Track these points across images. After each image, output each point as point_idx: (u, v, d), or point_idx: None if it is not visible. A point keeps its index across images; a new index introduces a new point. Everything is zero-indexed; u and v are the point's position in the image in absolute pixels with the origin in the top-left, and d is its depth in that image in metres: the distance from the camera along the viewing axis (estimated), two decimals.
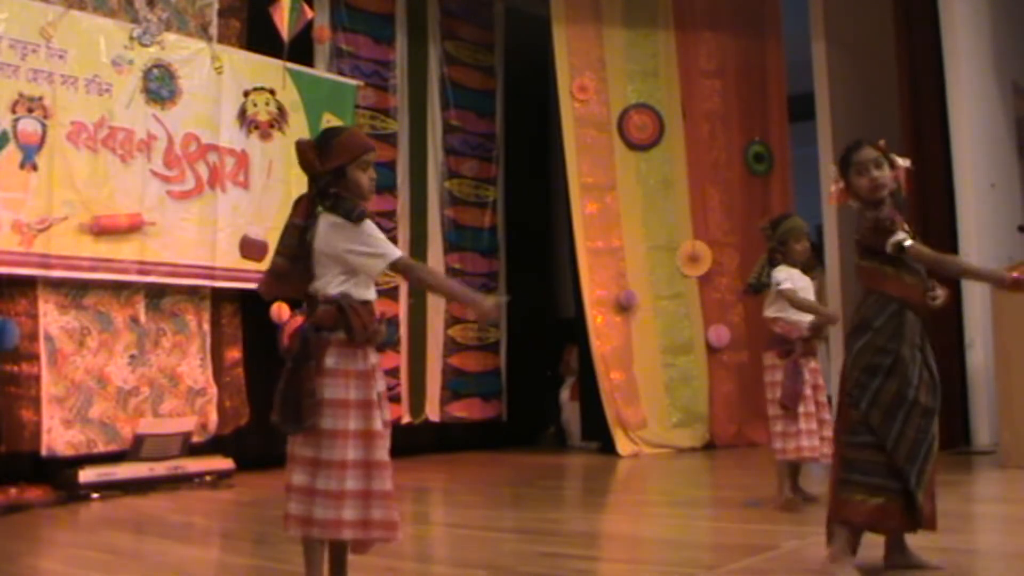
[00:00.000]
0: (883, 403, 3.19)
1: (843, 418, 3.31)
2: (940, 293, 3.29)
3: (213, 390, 6.92)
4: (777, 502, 4.87)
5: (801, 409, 4.81)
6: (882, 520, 3.17)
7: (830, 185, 3.49)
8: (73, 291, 6.28)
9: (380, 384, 3.01)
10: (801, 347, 4.89)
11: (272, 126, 7.31)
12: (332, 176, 3.00)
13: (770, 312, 5.00)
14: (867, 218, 3.30)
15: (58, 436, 6.05)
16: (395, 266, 3.01)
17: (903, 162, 3.42)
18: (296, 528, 2.93)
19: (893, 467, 3.15)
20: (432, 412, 8.68)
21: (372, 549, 3.04)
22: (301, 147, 3.04)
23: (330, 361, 2.93)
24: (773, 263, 4.99)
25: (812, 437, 4.82)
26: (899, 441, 3.15)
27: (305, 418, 2.88)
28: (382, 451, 2.93)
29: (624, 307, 8.54)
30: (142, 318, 6.61)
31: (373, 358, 3.00)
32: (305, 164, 3.03)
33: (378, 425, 2.94)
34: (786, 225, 5.03)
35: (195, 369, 6.87)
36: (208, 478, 6.49)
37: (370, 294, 3.02)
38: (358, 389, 2.93)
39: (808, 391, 4.86)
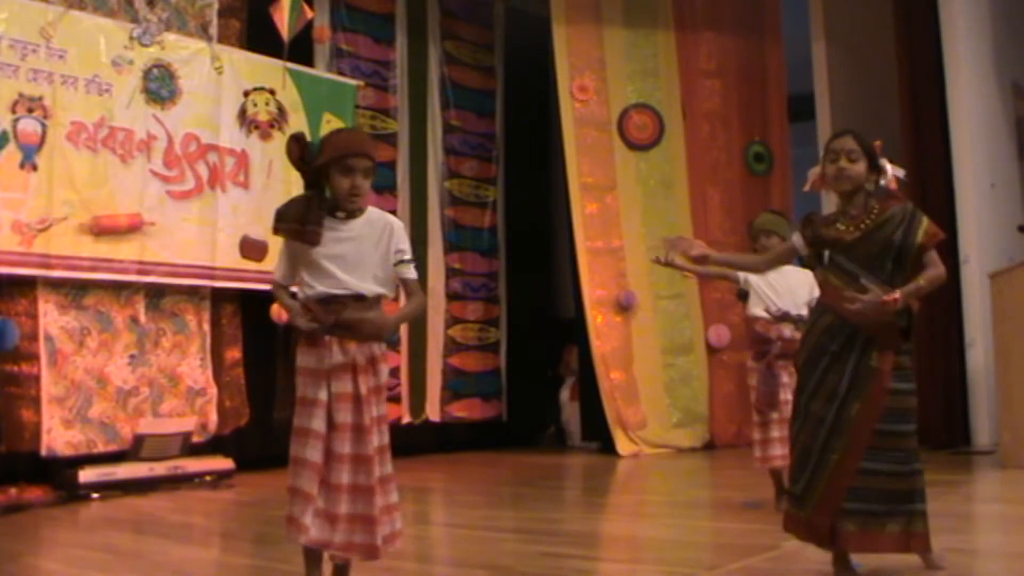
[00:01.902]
0: (793, 408, 3.23)
1: None
2: (860, 296, 3.04)
3: (213, 390, 6.92)
4: (776, 503, 4.85)
5: (776, 415, 4.72)
6: (791, 528, 3.17)
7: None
8: (73, 291, 6.27)
9: (340, 385, 2.94)
10: (779, 348, 4.76)
11: (272, 126, 7.31)
12: (315, 174, 3.02)
13: (748, 311, 4.93)
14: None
15: (58, 436, 6.04)
16: None
17: (895, 170, 3.26)
18: None
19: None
20: (432, 412, 8.69)
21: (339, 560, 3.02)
22: (288, 142, 3.08)
23: (299, 359, 2.98)
24: None
25: (772, 445, 4.73)
26: (794, 445, 3.16)
27: (278, 409, 2.94)
28: (314, 451, 2.89)
29: (624, 307, 8.54)
30: (142, 318, 6.61)
31: (338, 357, 2.94)
32: (289, 159, 3.06)
33: (316, 425, 2.90)
34: (755, 222, 4.99)
35: (195, 369, 6.87)
36: (208, 478, 6.48)
37: (317, 287, 2.98)
38: (313, 387, 2.94)
39: (788, 395, 4.76)
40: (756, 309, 4.87)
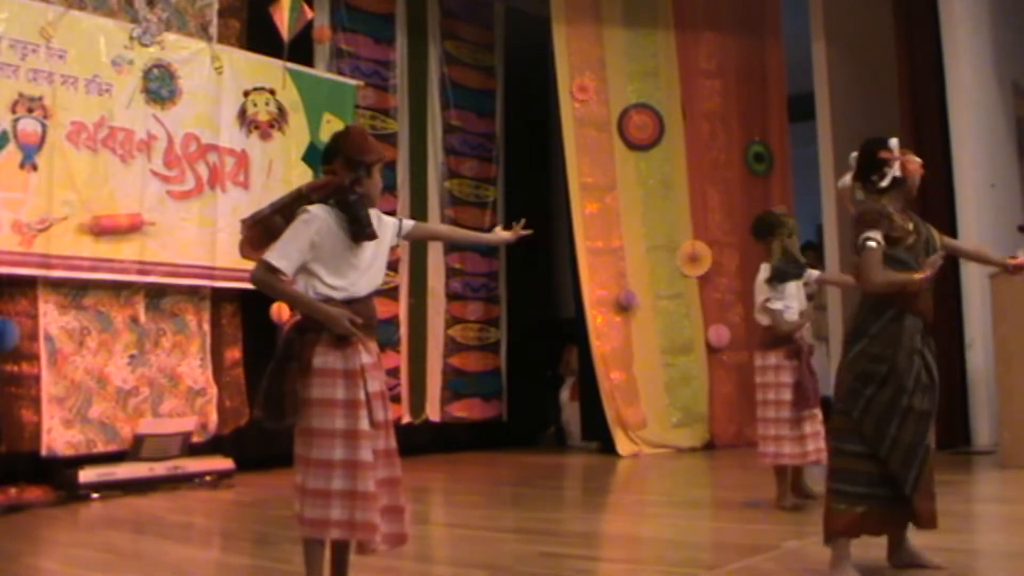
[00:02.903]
0: (876, 411, 3.19)
1: (834, 425, 3.34)
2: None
3: (213, 390, 6.92)
4: (776, 502, 4.86)
5: (807, 412, 4.80)
6: (863, 528, 3.21)
7: (895, 149, 3.36)
8: (73, 291, 6.28)
9: (373, 383, 2.98)
10: (806, 347, 4.92)
11: (272, 126, 7.30)
12: (365, 169, 3.04)
13: (785, 315, 4.91)
14: (870, 207, 3.31)
15: (58, 436, 6.04)
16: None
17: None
18: (296, 526, 2.96)
19: (885, 474, 3.16)
20: (432, 412, 8.68)
21: (378, 552, 3.03)
22: (360, 129, 3.10)
23: (318, 360, 2.93)
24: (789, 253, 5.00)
25: (806, 441, 4.79)
26: (894, 448, 3.16)
27: (286, 415, 2.90)
28: (366, 451, 2.90)
29: (624, 307, 8.54)
30: (142, 318, 6.61)
31: (366, 357, 2.98)
32: (357, 148, 3.04)
33: (363, 425, 2.91)
34: (792, 222, 5.08)
35: (195, 369, 6.87)
36: (208, 478, 6.48)
37: (349, 289, 2.99)
38: (345, 388, 2.93)
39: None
40: (790, 314, 4.93)
